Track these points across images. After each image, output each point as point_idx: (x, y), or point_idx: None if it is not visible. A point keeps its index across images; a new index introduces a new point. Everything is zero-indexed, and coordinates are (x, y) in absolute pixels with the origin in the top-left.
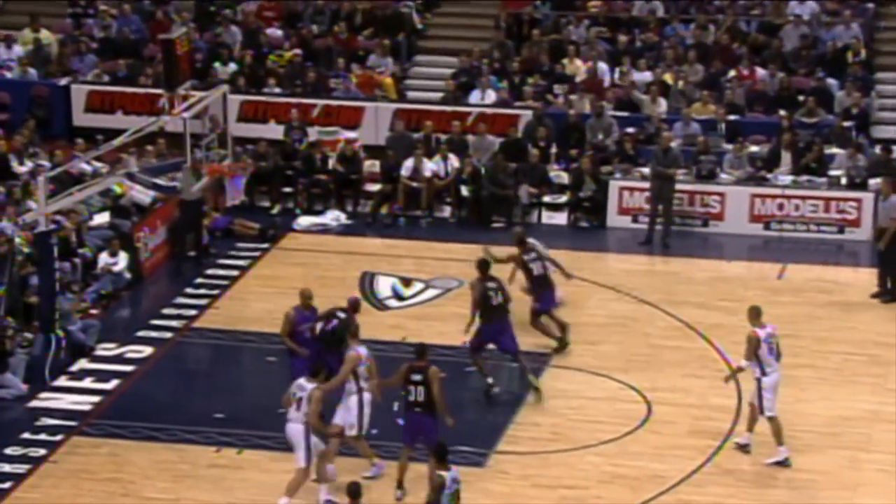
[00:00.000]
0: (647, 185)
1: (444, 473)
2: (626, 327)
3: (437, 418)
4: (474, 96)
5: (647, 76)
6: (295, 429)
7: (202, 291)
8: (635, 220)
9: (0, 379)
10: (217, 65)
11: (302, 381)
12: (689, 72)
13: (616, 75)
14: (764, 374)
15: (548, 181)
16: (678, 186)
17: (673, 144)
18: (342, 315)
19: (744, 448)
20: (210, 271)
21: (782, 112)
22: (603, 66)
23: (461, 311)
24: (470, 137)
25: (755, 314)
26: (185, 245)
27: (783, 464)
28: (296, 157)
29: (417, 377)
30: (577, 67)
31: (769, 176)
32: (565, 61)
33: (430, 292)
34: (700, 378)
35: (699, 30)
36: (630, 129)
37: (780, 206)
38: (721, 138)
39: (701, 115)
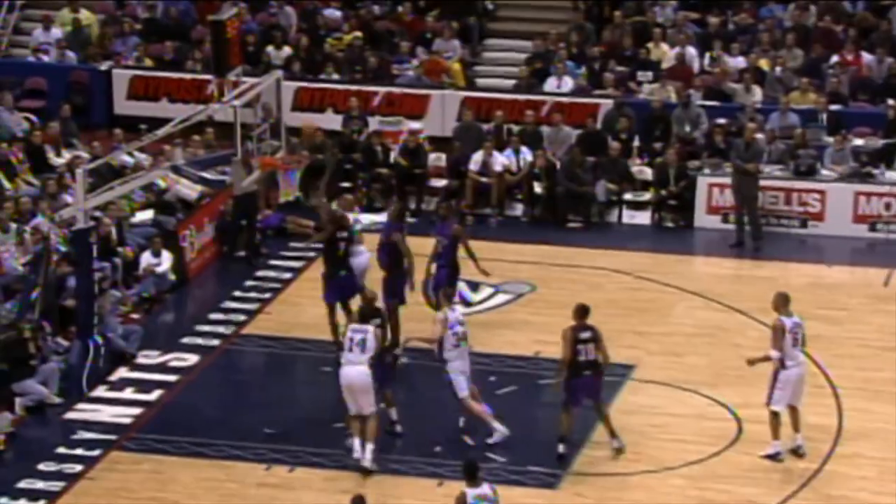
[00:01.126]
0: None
1: (467, 490)
2: (715, 337)
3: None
4: (550, 84)
5: (740, 62)
6: (358, 372)
7: (252, 295)
8: (725, 220)
9: (22, 386)
10: (270, 49)
11: (356, 325)
12: (787, 57)
13: (706, 61)
14: (783, 366)
15: (629, 177)
16: (773, 184)
17: (758, 136)
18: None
19: (796, 452)
20: (261, 273)
21: (890, 101)
22: (691, 50)
23: (533, 319)
24: (544, 129)
25: (783, 301)
26: (236, 244)
27: (774, 458)
28: (355, 150)
29: (586, 335)
30: (663, 52)
31: (875, 172)
32: (650, 46)
33: (500, 298)
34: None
35: (799, 11)
36: (721, 121)
37: (888, 206)
38: (822, 130)
39: (800, 104)
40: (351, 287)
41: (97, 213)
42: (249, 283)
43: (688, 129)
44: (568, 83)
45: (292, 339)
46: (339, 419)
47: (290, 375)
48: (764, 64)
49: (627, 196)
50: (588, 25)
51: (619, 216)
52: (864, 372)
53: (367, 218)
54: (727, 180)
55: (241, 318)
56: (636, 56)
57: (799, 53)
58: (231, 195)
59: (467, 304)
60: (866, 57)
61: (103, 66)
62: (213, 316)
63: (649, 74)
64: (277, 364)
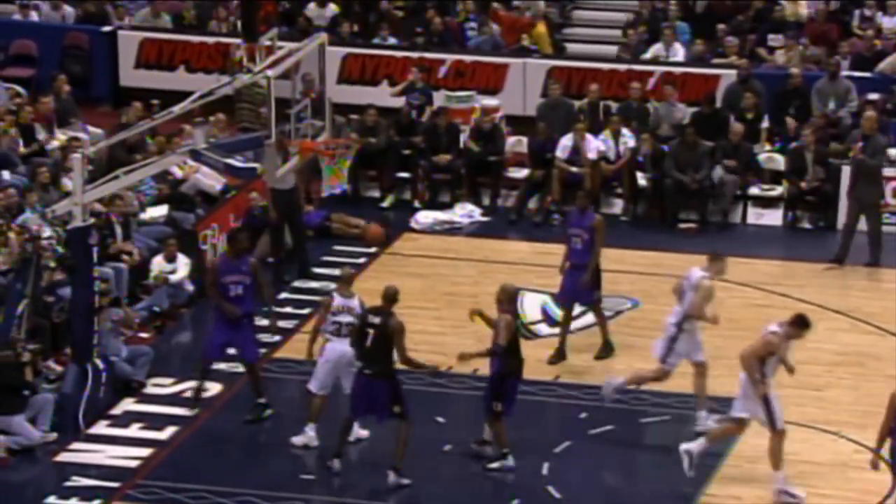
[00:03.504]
0: (894, 172)
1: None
2: (864, 367)
3: None
4: (656, 51)
5: None
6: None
7: (288, 311)
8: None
9: (7, 422)
10: (312, 6)
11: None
12: None
13: (855, 21)
14: None
15: (755, 166)
16: None
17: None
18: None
19: None
20: (298, 283)
21: None
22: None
23: (635, 342)
24: (652, 106)
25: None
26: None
27: None
28: (416, 132)
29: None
30: (800, 9)
31: None
32: (784, 2)
33: (594, 316)
34: None
35: None
36: (873, 96)
37: None
38: None
39: None
40: None
41: (99, 208)
42: (284, 295)
43: (832, 106)
44: (679, 51)
45: None
46: (389, 464)
47: (333, 410)
48: None
49: (754, 190)
50: None
51: (744, 215)
52: None
53: (429, 216)
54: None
55: (274, 338)
56: (766, 15)
57: None
58: (263, 187)
59: (553, 323)
60: None
61: (107, 28)
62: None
63: (780, 38)
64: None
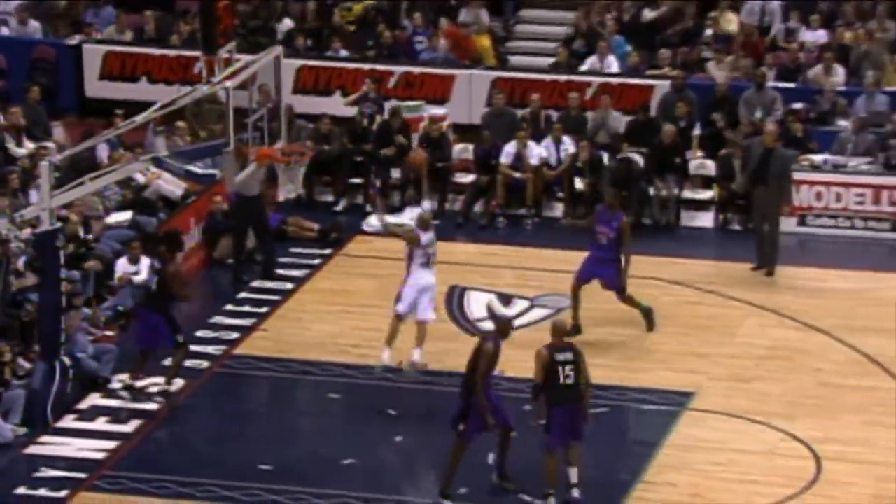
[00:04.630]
0: (819, 176)
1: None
2: (791, 361)
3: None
4: (591, 63)
5: (820, 36)
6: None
7: (246, 309)
8: (802, 223)
9: None
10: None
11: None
12: (877, 30)
13: (780, 35)
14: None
15: (686, 171)
16: (860, 180)
17: (843, 123)
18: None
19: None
20: (256, 284)
21: None
22: (775, 22)
23: (576, 338)
24: (590, 115)
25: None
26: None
27: None
28: (367, 139)
29: (562, 356)
30: (730, 24)
31: None
32: (715, 14)
33: (537, 313)
34: (887, 428)
35: None
36: (797, 105)
37: None
38: None
39: (892, 86)
40: None
41: (64, 213)
42: (243, 295)
43: (759, 114)
44: (612, 62)
45: (293, 360)
46: (347, 454)
47: (289, 403)
48: (849, 39)
49: (686, 194)
50: None
51: (677, 217)
52: None
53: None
54: (807, 175)
55: (233, 336)
56: (698, 29)
57: (891, 26)
58: (223, 192)
59: None
60: None
61: (73, 41)
62: (201, 333)
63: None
64: (276, 390)
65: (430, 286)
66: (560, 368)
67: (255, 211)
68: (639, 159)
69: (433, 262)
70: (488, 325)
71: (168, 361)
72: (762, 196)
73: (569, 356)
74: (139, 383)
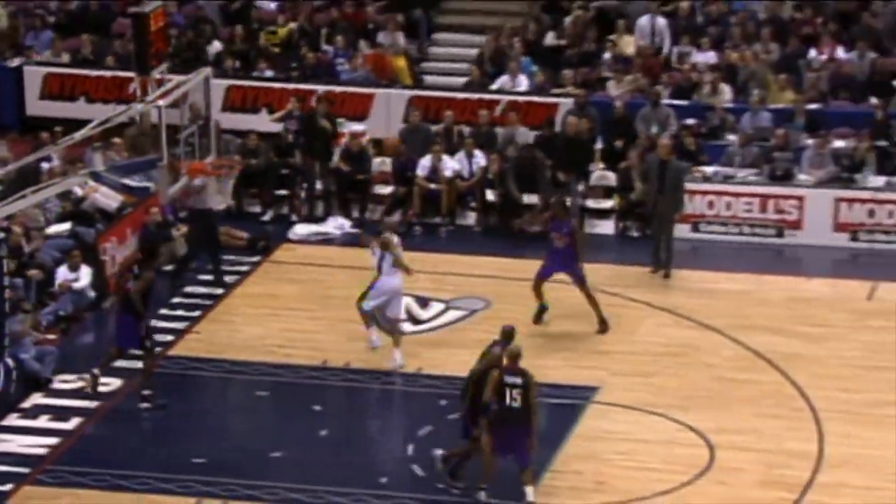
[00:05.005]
0: (710, 186)
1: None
2: (686, 357)
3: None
4: (502, 82)
5: (710, 57)
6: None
7: (180, 313)
8: (695, 230)
9: None
10: (200, 43)
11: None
12: (762, 51)
13: (673, 56)
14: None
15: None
16: (747, 189)
17: (731, 138)
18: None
19: None
20: (190, 289)
21: (874, 100)
22: (665, 40)
23: (488, 338)
24: (499, 130)
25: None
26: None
27: None
28: (292, 154)
29: (511, 380)
30: (628, 47)
31: (857, 177)
32: (614, 38)
33: (452, 314)
34: (774, 418)
35: (774, 2)
36: (689, 121)
37: (871, 213)
38: (800, 131)
39: (776, 103)
40: None
41: (5, 224)
42: (177, 300)
43: (655, 130)
44: (522, 81)
45: (224, 361)
46: (275, 448)
47: (221, 401)
48: (736, 59)
49: (589, 203)
50: (545, 17)
51: (581, 225)
52: (847, 394)
53: (305, 229)
54: (699, 186)
55: (168, 338)
56: (599, 51)
57: (774, 48)
58: (157, 204)
59: (415, 321)
60: (845, 52)
61: (14, 63)
62: None
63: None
64: (208, 389)
65: (398, 289)
66: (508, 391)
67: (208, 222)
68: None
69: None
70: (408, 327)
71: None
72: (659, 205)
73: (517, 380)
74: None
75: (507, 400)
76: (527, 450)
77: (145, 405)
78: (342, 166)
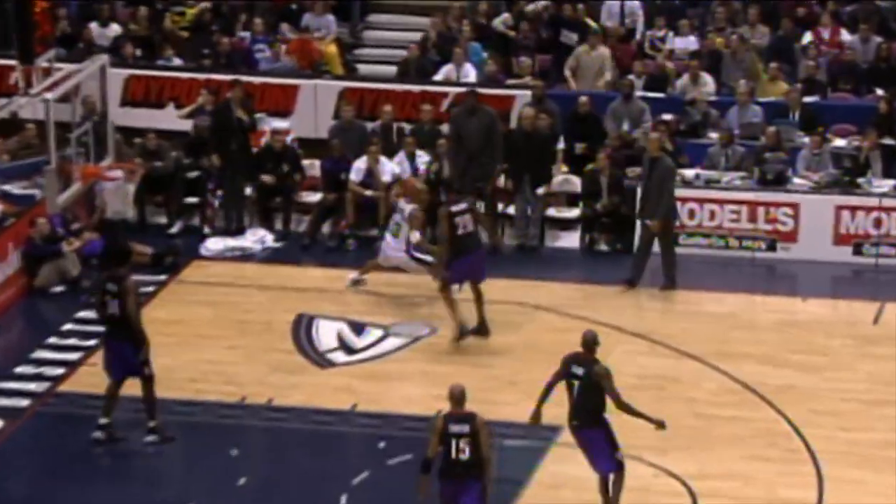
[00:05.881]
0: (691, 192)
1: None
2: (663, 390)
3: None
4: (446, 72)
5: (691, 43)
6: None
7: (72, 342)
8: (675, 243)
9: None
10: (93, 26)
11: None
12: (751, 36)
13: (647, 42)
14: None
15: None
16: (733, 196)
17: (713, 135)
18: None
19: None
20: (83, 314)
21: (879, 91)
22: (638, 24)
23: (434, 369)
24: (445, 128)
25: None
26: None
27: None
28: (204, 154)
29: (457, 427)
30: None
31: (861, 181)
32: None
33: (391, 342)
34: (765, 461)
35: None
36: (666, 117)
37: (877, 223)
38: (794, 128)
39: (766, 96)
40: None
41: None
42: (68, 326)
43: (626, 127)
44: (470, 72)
45: (124, 397)
46: (184, 499)
47: (121, 443)
48: (720, 44)
49: (551, 212)
50: None
51: (541, 238)
52: (850, 433)
53: (220, 243)
54: (679, 191)
55: (58, 371)
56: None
57: (765, 31)
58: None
59: (349, 350)
60: (847, 35)
61: None
62: (21, 370)
63: (574, 37)
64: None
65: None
66: (453, 441)
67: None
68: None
69: None
70: (340, 357)
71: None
72: (646, 209)
73: (465, 428)
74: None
75: (454, 452)
76: None
77: (152, 438)
78: (266, 178)
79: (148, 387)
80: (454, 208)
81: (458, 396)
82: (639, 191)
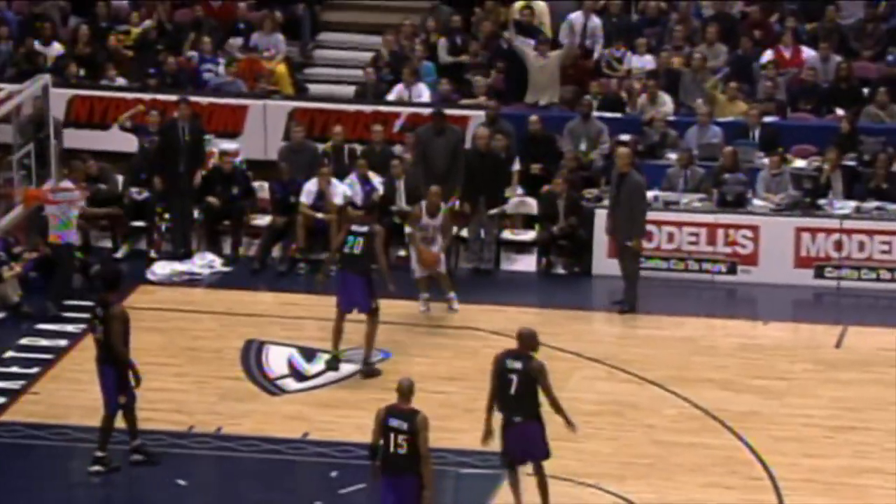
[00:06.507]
0: (652, 215)
1: None
2: (622, 417)
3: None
4: (397, 91)
5: (647, 62)
6: None
7: (14, 370)
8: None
9: None
10: (36, 44)
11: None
12: (708, 55)
13: (603, 60)
14: None
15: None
16: (692, 218)
17: (671, 156)
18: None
19: None
20: (25, 341)
21: (840, 111)
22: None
23: (387, 396)
24: (398, 149)
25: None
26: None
27: None
28: (149, 176)
29: (396, 423)
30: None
31: (822, 202)
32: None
33: (343, 369)
34: (727, 489)
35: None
36: (624, 137)
37: (838, 245)
38: (754, 149)
39: (724, 116)
40: None
41: None
42: (10, 354)
43: (583, 147)
44: (423, 92)
45: (68, 427)
46: None
47: (64, 475)
48: (677, 63)
49: (506, 235)
50: (446, 10)
51: (497, 261)
52: (813, 459)
53: (167, 267)
54: None
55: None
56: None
57: (722, 50)
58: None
59: (301, 377)
60: (808, 53)
61: None
62: None
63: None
64: (48, 460)
65: None
66: (391, 435)
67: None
68: None
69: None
70: (291, 384)
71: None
72: (617, 228)
73: (403, 425)
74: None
75: (392, 446)
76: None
77: (96, 468)
78: (213, 202)
79: (110, 417)
80: (354, 227)
81: (404, 390)
82: (606, 208)
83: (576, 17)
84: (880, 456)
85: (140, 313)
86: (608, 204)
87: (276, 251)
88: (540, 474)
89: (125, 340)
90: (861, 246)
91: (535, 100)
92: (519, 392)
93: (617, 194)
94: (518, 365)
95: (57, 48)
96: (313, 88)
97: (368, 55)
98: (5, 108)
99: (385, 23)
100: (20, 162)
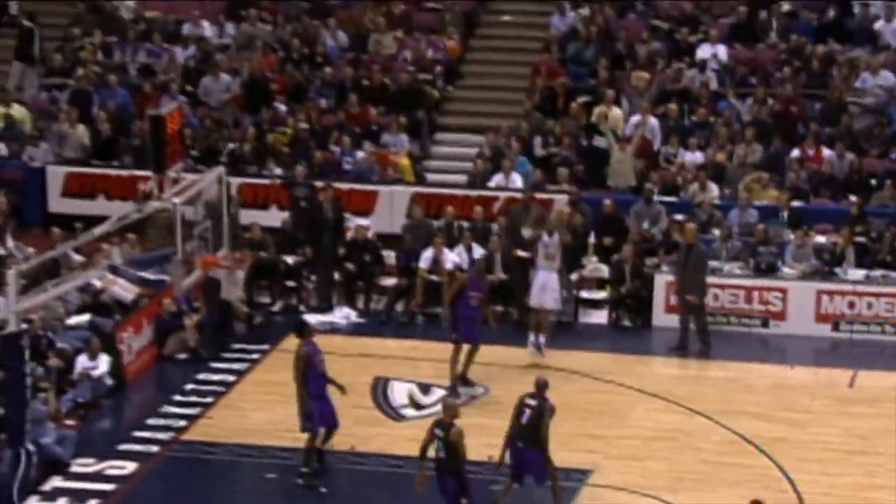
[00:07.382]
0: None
1: None
2: (676, 441)
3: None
4: (497, 180)
5: (697, 157)
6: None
7: (193, 399)
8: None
9: None
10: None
11: None
12: (747, 151)
13: (661, 155)
14: None
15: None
16: (733, 282)
17: (716, 233)
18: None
19: None
20: (202, 376)
21: (852, 198)
22: (655, 135)
23: (487, 422)
24: (495, 225)
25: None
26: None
27: None
28: (299, 246)
29: (439, 432)
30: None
31: (837, 270)
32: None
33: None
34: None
35: (757, 105)
36: (678, 216)
37: (851, 305)
38: (783, 227)
39: (759, 200)
40: None
41: (31, 316)
42: (190, 386)
43: (646, 225)
44: (517, 179)
45: (235, 445)
46: None
47: (232, 483)
48: (722, 158)
49: (583, 294)
50: (537, 115)
51: (576, 314)
52: (830, 477)
53: (313, 318)
54: None
55: (182, 423)
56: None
57: (758, 148)
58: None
59: (418, 406)
60: (826, 152)
61: (37, 163)
62: (152, 421)
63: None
64: (220, 471)
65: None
66: (435, 441)
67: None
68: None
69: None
70: (410, 412)
71: None
72: (684, 288)
73: (440, 433)
74: None
75: (434, 451)
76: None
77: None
78: (350, 266)
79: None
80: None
81: (447, 408)
82: (658, 277)
83: (636, 119)
84: (886, 475)
85: (292, 355)
86: (675, 269)
87: (399, 306)
88: (554, 479)
89: (304, 373)
90: (870, 306)
91: (614, 184)
92: (528, 423)
93: (685, 262)
94: (534, 402)
95: (230, 145)
96: (430, 177)
97: (474, 150)
98: (188, 192)
99: (488, 125)
100: (200, 235)
